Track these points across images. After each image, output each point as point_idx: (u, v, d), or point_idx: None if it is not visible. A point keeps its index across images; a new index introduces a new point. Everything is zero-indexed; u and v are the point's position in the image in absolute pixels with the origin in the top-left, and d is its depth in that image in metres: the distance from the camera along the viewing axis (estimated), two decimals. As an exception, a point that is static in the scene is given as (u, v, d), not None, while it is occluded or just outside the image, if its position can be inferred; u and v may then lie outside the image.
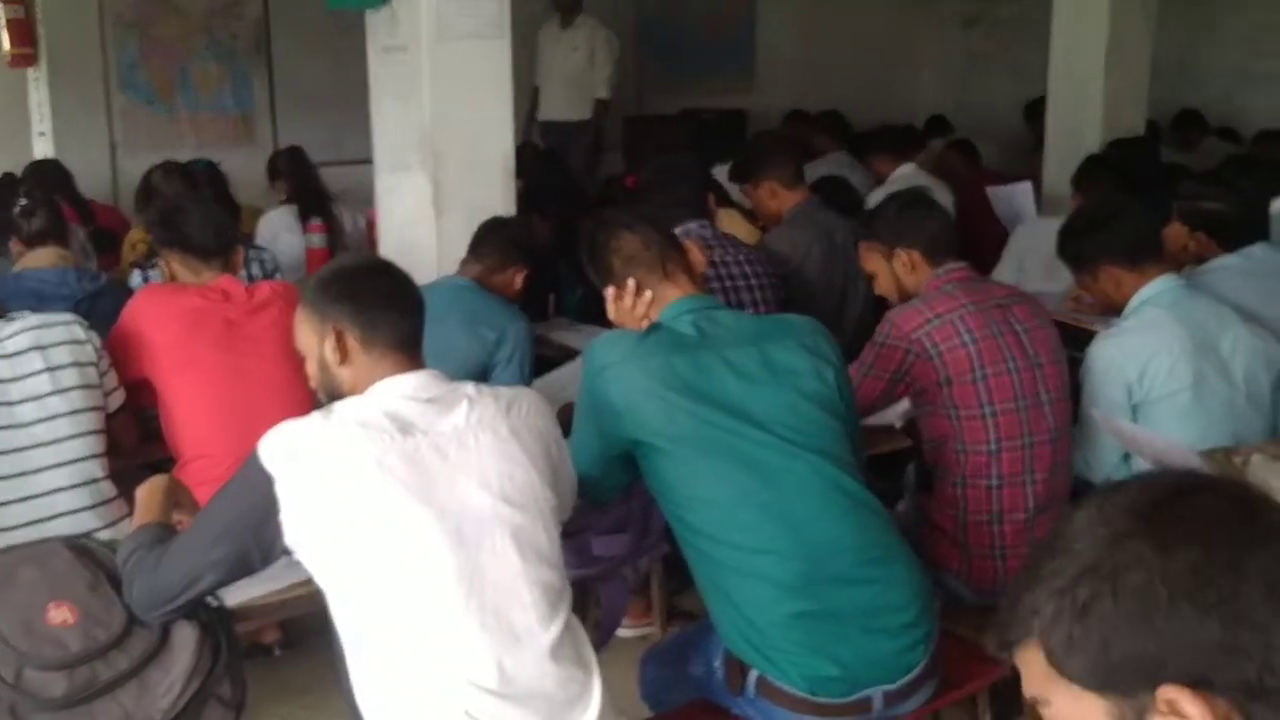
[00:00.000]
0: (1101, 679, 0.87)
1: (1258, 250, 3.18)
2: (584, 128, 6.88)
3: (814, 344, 2.24)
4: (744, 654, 2.13)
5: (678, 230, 3.50)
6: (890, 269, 2.79)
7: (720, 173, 5.32)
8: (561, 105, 6.82)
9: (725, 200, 4.89)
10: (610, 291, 2.33)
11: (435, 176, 3.68)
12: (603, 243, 2.35)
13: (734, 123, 7.77)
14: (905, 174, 5.22)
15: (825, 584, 2.09)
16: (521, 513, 1.85)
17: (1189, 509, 0.87)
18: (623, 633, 3.28)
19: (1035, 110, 7.37)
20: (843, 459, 2.18)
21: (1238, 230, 3.19)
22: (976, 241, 5.08)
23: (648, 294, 2.29)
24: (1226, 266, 3.17)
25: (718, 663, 2.22)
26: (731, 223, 4.48)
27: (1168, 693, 0.84)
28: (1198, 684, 0.83)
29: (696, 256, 2.39)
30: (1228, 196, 3.22)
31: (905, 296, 2.75)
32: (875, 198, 5.05)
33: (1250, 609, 0.82)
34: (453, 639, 1.78)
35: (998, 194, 5.17)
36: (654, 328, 2.20)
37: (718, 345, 2.16)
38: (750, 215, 4.64)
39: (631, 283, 2.29)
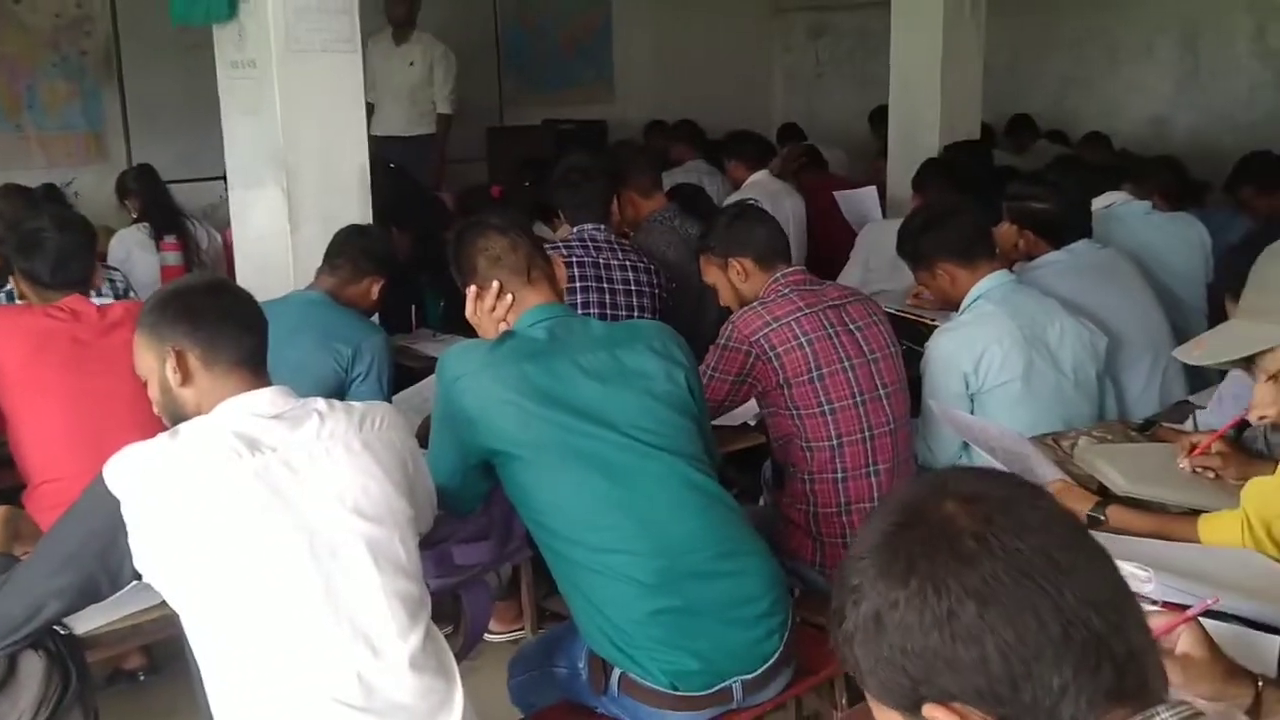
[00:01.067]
0: (890, 699, 0.94)
1: (1081, 246, 3.36)
2: (425, 143, 6.85)
3: (663, 347, 2.30)
4: (606, 653, 2.18)
5: (573, 230, 3.58)
6: (727, 279, 2.90)
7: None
8: (399, 121, 6.75)
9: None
10: (472, 290, 2.34)
11: (289, 191, 3.64)
12: (470, 241, 2.35)
13: (594, 133, 7.85)
14: (759, 180, 5.36)
15: (682, 580, 2.15)
16: (377, 525, 1.86)
17: (905, 541, 0.91)
18: (494, 638, 3.31)
19: (879, 117, 7.67)
20: (696, 457, 2.25)
21: (1063, 228, 3.37)
22: (827, 243, 5.26)
23: (509, 297, 2.31)
24: (1054, 263, 3.34)
25: (582, 663, 2.26)
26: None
27: (930, 711, 0.90)
28: (951, 699, 0.89)
29: (561, 270, 2.42)
30: (1052, 196, 3.39)
31: (745, 304, 2.85)
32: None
33: (967, 625, 0.87)
34: (311, 654, 1.78)
35: (845, 198, 5.35)
36: (507, 335, 2.24)
37: (570, 350, 2.21)
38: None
39: (495, 284, 2.31)
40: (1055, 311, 3.01)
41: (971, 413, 2.93)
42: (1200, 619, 1.55)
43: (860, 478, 2.75)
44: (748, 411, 2.96)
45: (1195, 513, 2.09)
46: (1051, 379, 2.93)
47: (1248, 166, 4.64)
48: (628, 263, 3.50)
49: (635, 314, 3.38)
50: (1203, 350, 1.32)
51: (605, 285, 3.41)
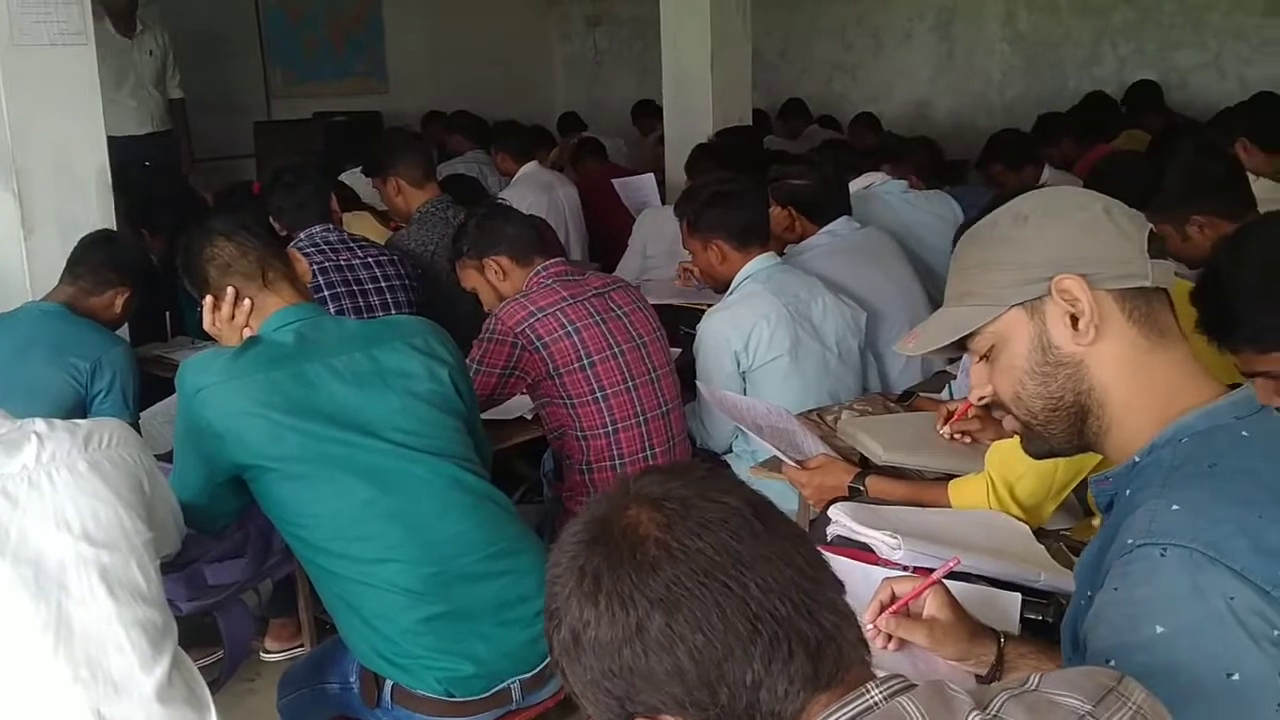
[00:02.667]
0: (604, 718, 0.92)
1: (842, 227, 3.46)
2: (167, 139, 6.47)
3: (425, 343, 2.22)
4: (377, 666, 2.10)
5: (302, 234, 3.42)
6: (486, 280, 2.86)
7: (351, 175, 5.23)
8: (147, 115, 6.33)
9: (355, 203, 4.82)
10: (207, 301, 2.23)
11: (20, 193, 3.39)
12: (197, 251, 2.25)
13: (368, 125, 7.64)
14: (529, 172, 5.32)
15: (454, 584, 2.09)
16: (109, 551, 1.72)
17: (591, 558, 0.90)
18: (272, 656, 3.16)
19: (639, 111, 7.80)
20: (463, 457, 2.19)
21: (824, 205, 3.46)
22: (607, 232, 5.27)
23: (247, 303, 2.20)
24: (818, 245, 3.43)
25: (353, 677, 2.17)
26: (361, 225, 4.42)
27: None
28: (657, 712, 0.89)
29: (302, 266, 2.33)
30: (810, 174, 3.48)
31: None
32: (506, 195, 5.13)
33: (656, 637, 0.86)
34: (43, 696, 1.63)
35: (624, 185, 5.37)
36: (251, 342, 2.12)
37: (322, 354, 2.11)
38: (385, 216, 4.59)
39: (231, 291, 2.20)
40: (817, 289, 3.09)
41: (745, 391, 2.98)
42: (948, 581, 1.60)
43: (638, 462, 2.76)
44: (523, 405, 2.92)
45: (950, 478, 2.17)
46: (817, 354, 3.00)
47: (995, 145, 4.89)
48: (370, 259, 3.38)
49: (393, 311, 3.27)
50: (916, 342, 1.34)
51: (354, 287, 3.28)
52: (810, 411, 2.71)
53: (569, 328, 2.66)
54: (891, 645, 1.54)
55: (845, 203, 3.55)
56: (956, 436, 2.40)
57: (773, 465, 2.45)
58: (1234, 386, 1.25)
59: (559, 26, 10.26)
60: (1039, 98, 7.37)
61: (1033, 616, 1.68)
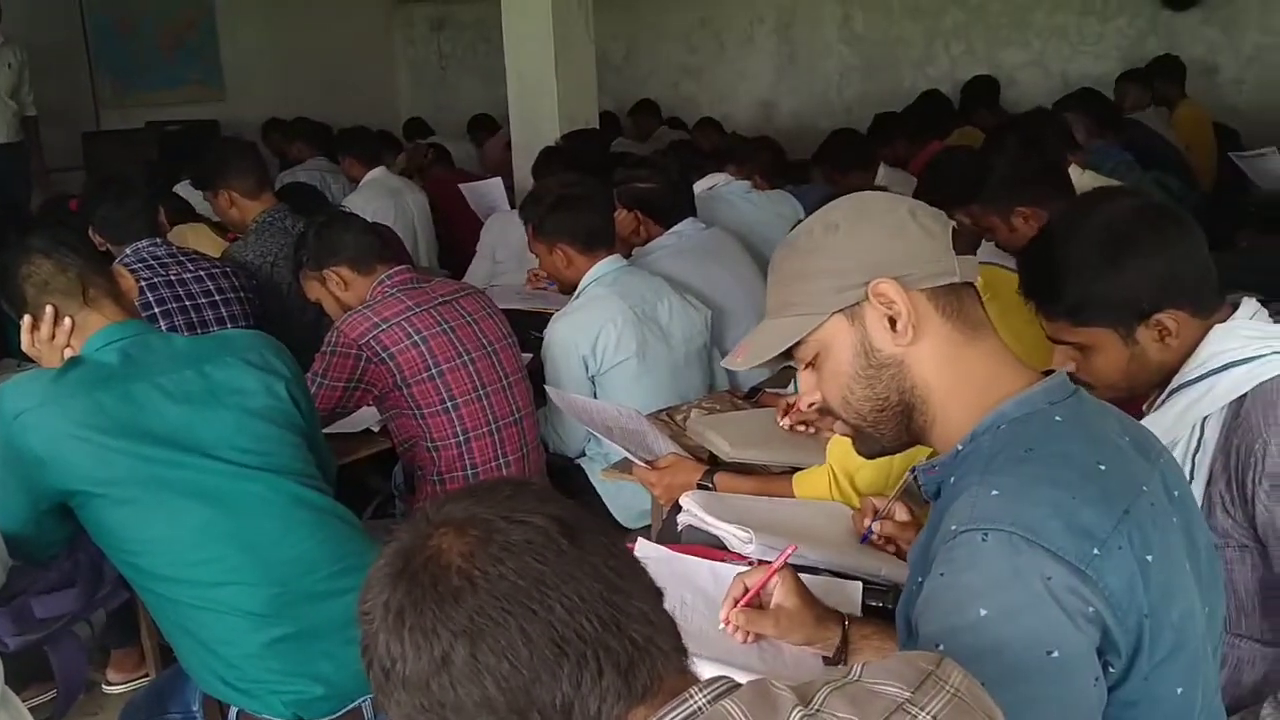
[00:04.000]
0: None
1: (687, 227, 3.49)
2: (17, 151, 6.25)
3: (260, 358, 2.16)
4: (220, 693, 2.03)
5: (128, 249, 3.28)
6: (328, 291, 2.80)
7: (185, 187, 5.05)
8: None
9: (191, 215, 4.65)
10: (26, 321, 2.13)
11: None
12: (14, 270, 2.15)
13: (205, 134, 7.40)
14: (376, 177, 5.23)
15: (298, 604, 2.03)
16: (-81, 589, 1.63)
17: (397, 592, 0.89)
18: (115, 689, 3.02)
19: (475, 125, 7.75)
20: (304, 473, 2.13)
21: (669, 207, 3.48)
22: (457, 238, 5.21)
23: (67, 321, 2.10)
24: (664, 246, 3.45)
25: (196, 706, 2.10)
26: (198, 237, 4.27)
27: None
28: None
29: (128, 283, 2.23)
30: (655, 176, 3.50)
31: None
32: (351, 202, 5.03)
33: (462, 669, 0.86)
34: None
35: (471, 190, 5.33)
36: (73, 363, 2.02)
37: (150, 372, 2.02)
38: (222, 228, 4.44)
39: (50, 309, 2.10)
40: (664, 290, 3.11)
41: (595, 394, 2.98)
42: (795, 572, 1.64)
43: (491, 471, 2.73)
44: (371, 417, 2.86)
45: (796, 471, 2.21)
46: (665, 355, 3.03)
47: (827, 146, 5.01)
48: (202, 272, 3.27)
49: (228, 325, 3.17)
50: (744, 356, 1.36)
51: (186, 302, 3.16)
52: (660, 411, 2.72)
53: (415, 337, 2.62)
54: (750, 639, 1.57)
55: (690, 204, 3.59)
56: (799, 428, 2.44)
57: (624, 467, 2.46)
58: (1049, 373, 1.30)
59: (402, 30, 10.12)
60: (877, 97, 7.58)
61: (874, 604, 1.72)
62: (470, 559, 0.88)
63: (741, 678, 1.48)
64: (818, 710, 0.86)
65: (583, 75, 5.44)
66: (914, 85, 7.67)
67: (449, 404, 2.64)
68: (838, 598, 1.69)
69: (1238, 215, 4.84)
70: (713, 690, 0.88)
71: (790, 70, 8.52)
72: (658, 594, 0.94)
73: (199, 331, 3.13)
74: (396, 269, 2.76)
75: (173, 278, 3.22)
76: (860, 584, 1.77)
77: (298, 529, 2.06)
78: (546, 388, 2.60)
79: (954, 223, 1.31)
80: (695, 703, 0.87)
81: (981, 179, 2.92)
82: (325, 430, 2.54)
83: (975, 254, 3.08)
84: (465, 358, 2.67)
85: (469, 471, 2.68)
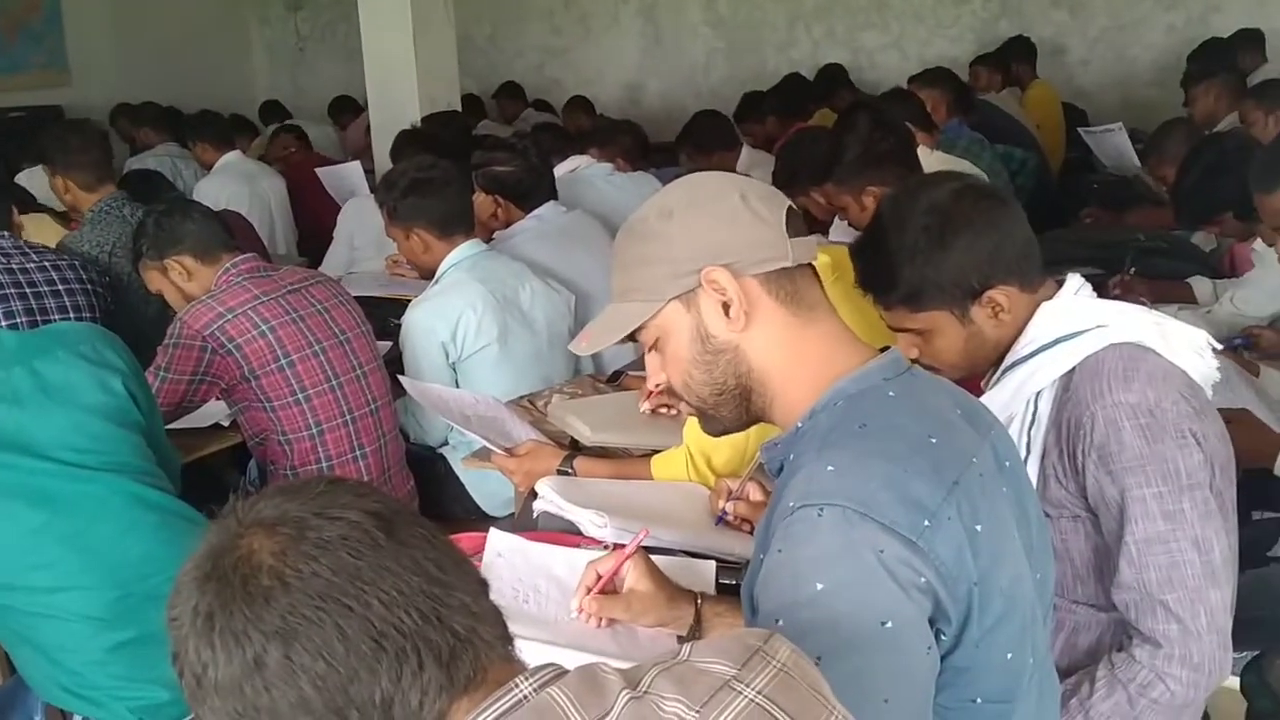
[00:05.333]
0: None
1: (548, 210, 3.46)
2: None
3: (94, 352, 2.06)
4: (62, 701, 1.96)
5: None
6: (170, 281, 2.70)
7: (28, 175, 4.82)
8: None
9: (33, 204, 4.44)
10: None
11: None
12: None
13: (48, 120, 7.06)
14: (231, 162, 5.09)
15: (142, 607, 1.95)
16: None
17: (205, 596, 0.86)
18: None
19: (336, 108, 7.58)
20: (145, 471, 2.04)
21: (527, 191, 3.44)
22: (316, 224, 5.08)
23: None
24: (524, 230, 3.41)
25: (38, 716, 2.01)
26: (39, 227, 4.07)
27: None
28: None
29: None
30: (515, 159, 3.45)
31: None
32: (203, 188, 4.87)
33: (276, 671, 0.84)
34: None
35: (329, 174, 5.21)
36: (-115, 365, 1.91)
37: (-29, 372, 1.92)
38: (66, 216, 4.25)
39: None
40: (524, 274, 3.08)
41: (456, 382, 2.94)
42: (650, 554, 1.64)
43: (347, 464, 2.68)
44: (219, 410, 2.77)
45: (656, 453, 2.22)
46: (527, 340, 3.00)
47: (690, 128, 5.04)
48: (46, 262, 3.13)
49: (72, 315, 3.03)
50: (588, 341, 1.36)
51: (27, 290, 3.02)
52: (522, 398, 2.70)
53: (263, 327, 2.54)
54: (604, 624, 1.57)
55: (551, 187, 3.56)
56: (661, 411, 2.45)
57: (485, 455, 2.43)
58: (886, 350, 1.32)
59: (257, 10, 9.82)
60: (742, 79, 7.65)
61: (728, 582, 1.74)
62: (282, 558, 0.85)
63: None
64: (645, 692, 0.86)
65: (443, 57, 5.35)
66: (777, 68, 7.76)
67: (300, 395, 2.58)
68: (692, 578, 1.70)
69: (1083, 193, 5.02)
70: (539, 678, 0.88)
71: (656, 52, 8.53)
72: (481, 584, 0.93)
73: (39, 320, 3.00)
74: (243, 257, 2.67)
75: (14, 266, 3.08)
76: (714, 563, 1.78)
77: (139, 530, 1.98)
78: (401, 378, 2.55)
79: (790, 203, 1.32)
80: (521, 691, 0.86)
81: (834, 159, 2.96)
82: (172, 426, 2.45)
83: (828, 233, 3.12)
84: (316, 347, 2.60)
85: (323, 464, 2.62)
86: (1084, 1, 7.28)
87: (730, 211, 1.27)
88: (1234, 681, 2.08)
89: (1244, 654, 2.15)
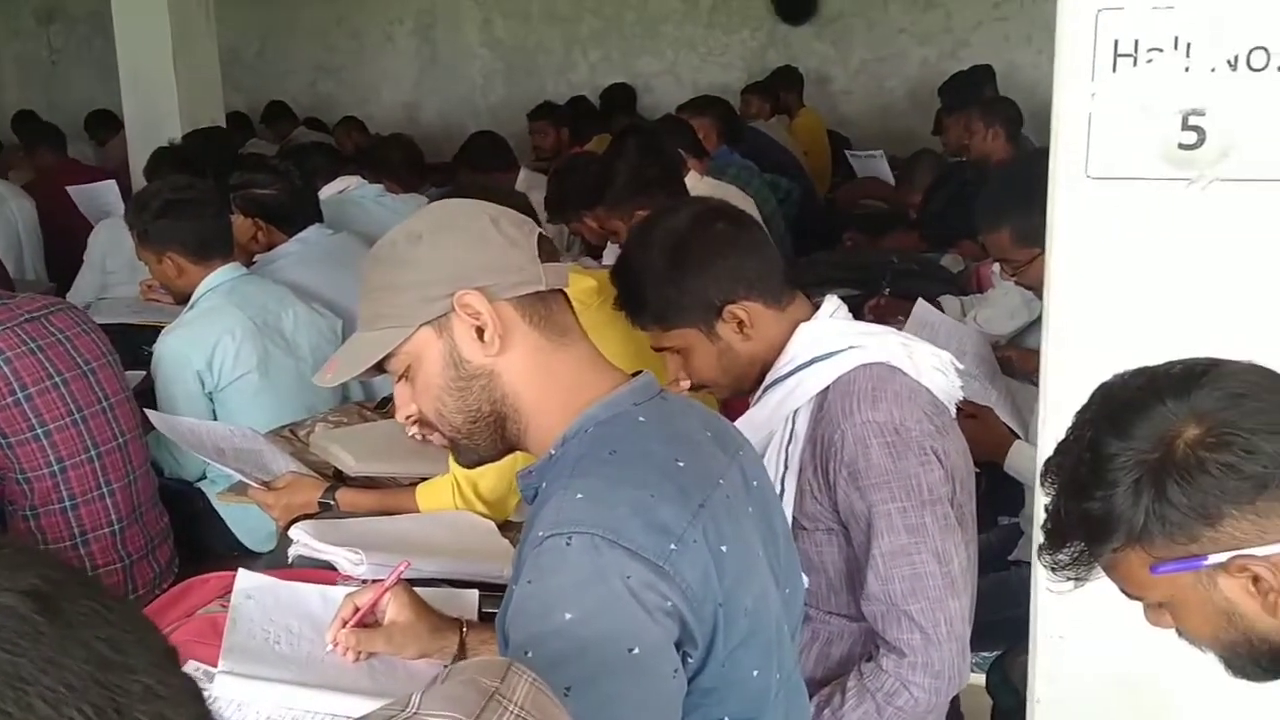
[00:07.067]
0: None
1: (312, 234, 3.34)
2: None
3: None
4: None
5: None
6: None
7: None
8: None
9: None
10: None
11: None
12: None
13: None
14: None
15: None
16: None
17: None
18: None
19: (96, 121, 7.20)
20: None
21: (290, 214, 3.32)
22: (69, 246, 4.76)
23: None
24: (288, 254, 3.29)
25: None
26: None
27: None
28: None
29: None
30: (277, 182, 3.32)
31: None
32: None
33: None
34: None
35: (81, 192, 4.92)
36: None
37: None
38: None
39: None
40: (288, 299, 2.97)
41: (214, 413, 2.81)
42: (412, 585, 1.60)
43: (93, 502, 2.51)
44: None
45: (424, 481, 2.17)
46: (290, 367, 2.89)
47: (467, 148, 5.01)
48: None
49: None
50: (334, 371, 1.32)
51: None
52: (283, 428, 2.59)
53: (-5, 358, 2.35)
54: (362, 658, 1.52)
55: (316, 209, 3.45)
56: (432, 438, 2.39)
57: (241, 489, 2.32)
58: (639, 374, 1.33)
59: (6, 23, 9.19)
60: (520, 102, 7.65)
61: (491, 611, 1.71)
62: None
63: (352, 700, 1.45)
64: None
65: (205, 72, 5.14)
66: (555, 91, 7.81)
67: (39, 431, 2.40)
68: (455, 606, 1.67)
69: (846, 217, 5.26)
70: None
71: (433, 71, 8.45)
72: (169, 655, 0.81)
73: None
74: (-30, 285, 2.47)
75: None
76: (477, 591, 1.75)
77: None
78: (149, 412, 2.41)
79: (540, 230, 1.32)
80: None
81: (605, 183, 2.99)
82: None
83: (601, 257, 3.15)
84: (57, 379, 2.43)
85: (66, 504, 2.45)
86: (845, 35, 7.65)
87: (481, 234, 1.26)
88: (980, 679, 2.21)
89: (990, 654, 2.28)
